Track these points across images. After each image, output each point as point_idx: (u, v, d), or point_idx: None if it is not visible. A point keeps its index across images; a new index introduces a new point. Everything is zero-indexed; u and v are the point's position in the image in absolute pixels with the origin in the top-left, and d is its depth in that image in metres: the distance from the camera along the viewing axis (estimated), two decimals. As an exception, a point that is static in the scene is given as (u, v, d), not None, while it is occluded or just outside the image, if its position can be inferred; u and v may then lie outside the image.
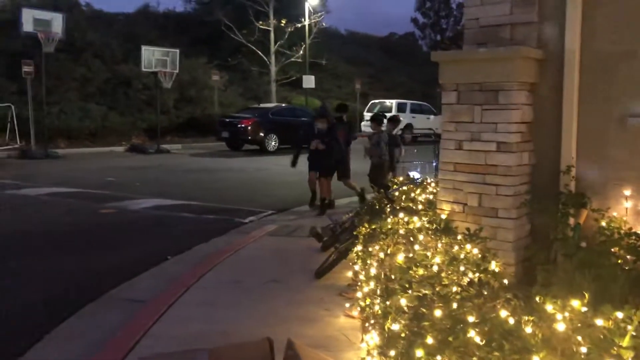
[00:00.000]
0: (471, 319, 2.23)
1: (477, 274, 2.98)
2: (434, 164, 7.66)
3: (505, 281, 3.18)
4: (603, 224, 3.73)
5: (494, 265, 3.24)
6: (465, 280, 2.83)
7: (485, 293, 2.55)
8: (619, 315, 2.10)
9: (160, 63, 20.63)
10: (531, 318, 2.18)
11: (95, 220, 8.05)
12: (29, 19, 17.15)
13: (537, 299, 2.42)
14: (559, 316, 2.19)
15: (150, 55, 20.45)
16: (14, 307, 4.54)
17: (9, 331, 4.07)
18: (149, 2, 37.10)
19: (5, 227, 7.44)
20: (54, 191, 10.28)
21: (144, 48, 20.51)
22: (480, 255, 3.33)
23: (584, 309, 2.24)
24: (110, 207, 8.82)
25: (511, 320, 2.21)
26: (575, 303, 2.26)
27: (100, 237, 6.98)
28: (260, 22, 27.92)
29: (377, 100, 27.44)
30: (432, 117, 26.53)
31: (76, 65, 22.90)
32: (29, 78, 17.62)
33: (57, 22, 17.75)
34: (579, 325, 2.13)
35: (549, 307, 2.28)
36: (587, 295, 2.36)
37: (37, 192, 10.15)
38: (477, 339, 2.11)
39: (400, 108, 25.91)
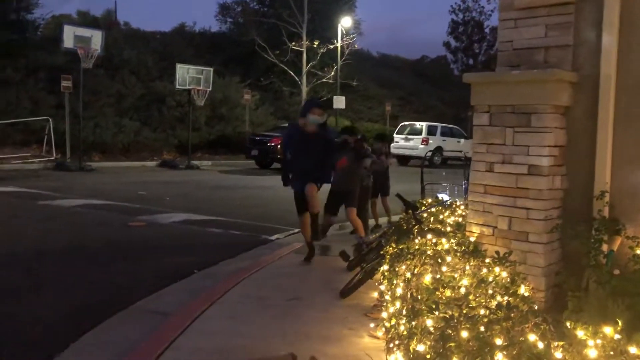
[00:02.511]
0: (499, 341, 2.18)
1: (505, 298, 2.92)
2: (464, 186, 7.58)
3: (535, 306, 3.11)
4: (638, 251, 3.63)
5: (523, 290, 3.17)
6: (494, 303, 2.77)
7: (514, 316, 2.49)
8: (654, 344, 2.03)
9: (194, 81, 21.01)
10: (561, 343, 2.12)
11: (125, 232, 8.17)
12: (70, 35, 17.70)
13: (568, 324, 2.35)
14: (590, 342, 2.13)
15: (185, 73, 20.85)
16: (42, 315, 4.61)
17: (38, 338, 4.13)
18: (185, 22, 37.93)
19: (38, 237, 7.60)
20: (86, 203, 10.47)
21: (178, 66, 20.94)
22: (509, 279, 3.27)
23: (617, 336, 2.18)
24: (140, 220, 8.94)
25: (540, 345, 2.15)
26: (608, 330, 2.19)
27: (129, 249, 7.07)
28: (293, 43, 28.26)
29: (407, 123, 27.37)
30: (462, 140, 26.32)
31: (112, 81, 23.48)
32: (67, 92, 18.12)
33: (96, 39, 18.28)
34: (612, 352, 2.06)
35: (580, 333, 2.22)
36: (620, 322, 2.29)
37: (70, 204, 10.36)
38: (505, 363, 2.07)
39: (431, 131, 25.77)
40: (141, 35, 31.29)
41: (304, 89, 29.48)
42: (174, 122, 24.22)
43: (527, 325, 2.37)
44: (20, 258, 6.40)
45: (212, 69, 21.89)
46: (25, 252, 6.68)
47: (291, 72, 28.78)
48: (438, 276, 3.22)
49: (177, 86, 21.04)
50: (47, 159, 18.55)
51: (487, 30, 47.50)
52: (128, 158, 21.19)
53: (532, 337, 2.20)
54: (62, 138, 18.69)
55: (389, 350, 3.16)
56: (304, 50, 28.70)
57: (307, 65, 29.11)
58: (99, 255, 6.70)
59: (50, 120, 19.09)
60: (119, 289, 5.34)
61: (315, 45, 28.30)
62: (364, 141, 7.84)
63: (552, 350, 2.09)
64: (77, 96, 18.16)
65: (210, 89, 21.59)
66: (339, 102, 27.46)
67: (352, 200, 7.05)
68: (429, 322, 2.60)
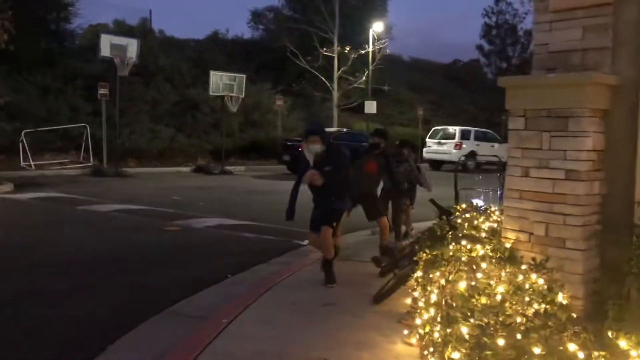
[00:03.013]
0: (537, 350, 2.14)
1: (542, 305, 2.86)
2: (499, 192, 7.46)
3: (574, 315, 3.04)
4: (681, 259, 3.51)
5: (560, 297, 3.10)
6: (530, 311, 2.72)
7: (552, 325, 2.44)
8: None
9: (227, 88, 21.26)
10: (603, 353, 2.07)
11: (160, 237, 8.30)
12: (106, 44, 18.13)
13: (609, 334, 2.29)
14: (633, 353, 2.07)
15: (218, 80, 21.12)
16: (80, 318, 4.71)
17: (76, 340, 4.23)
18: (219, 29, 38.42)
19: (75, 242, 7.79)
20: (123, 208, 10.68)
21: (212, 73, 21.23)
22: (546, 286, 3.21)
23: (661, 346, 2.11)
24: (175, 225, 9.07)
25: (580, 355, 2.10)
26: (651, 340, 2.13)
27: (164, 254, 7.18)
28: (325, 49, 28.35)
29: (439, 127, 27.13)
30: (496, 145, 25.94)
31: (148, 88, 23.95)
32: (103, 100, 18.56)
33: (132, 47, 18.69)
34: (655, 363, 2.00)
35: (622, 343, 2.16)
36: (664, 333, 2.22)
37: (106, 209, 10.58)
38: (543, 372, 2.03)
39: (464, 135, 25.48)
40: (175, 43, 31.87)
41: (335, 94, 29.53)
42: (208, 128, 24.54)
43: (565, 334, 2.32)
44: (60, 262, 6.56)
45: (244, 76, 22.12)
46: (65, 255, 6.86)
47: (322, 78, 28.86)
48: (473, 283, 3.18)
49: (211, 93, 21.33)
50: (84, 165, 19.00)
51: (520, 33, 46.87)
52: (163, 164, 21.54)
53: (571, 347, 2.15)
54: (99, 144, 19.15)
55: (423, 358, 3.14)
56: (335, 55, 28.76)
57: (338, 70, 29.15)
58: (135, 259, 6.82)
59: (88, 127, 19.56)
60: (154, 293, 5.42)
61: (346, 51, 28.33)
62: (402, 147, 8.05)
63: (593, 360, 2.05)
64: (114, 103, 18.58)
65: (243, 95, 21.82)
66: (370, 107, 27.41)
67: (379, 204, 7.02)
68: (464, 330, 2.57)
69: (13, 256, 6.75)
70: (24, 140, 17.75)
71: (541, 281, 3.29)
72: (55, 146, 19.70)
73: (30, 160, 17.80)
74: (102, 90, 18.41)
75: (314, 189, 5.79)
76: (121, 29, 28.74)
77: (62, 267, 6.34)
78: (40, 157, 18.75)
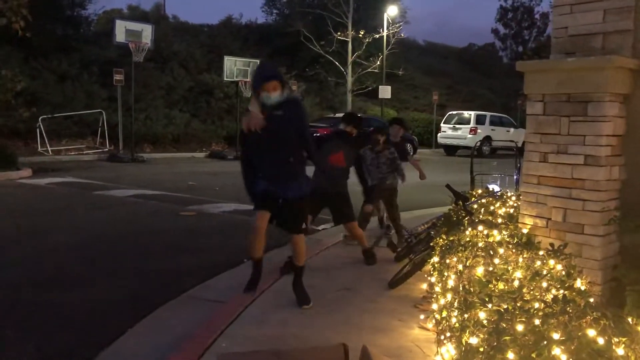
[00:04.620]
0: (556, 336, 2.14)
1: (561, 291, 2.85)
2: (515, 177, 7.41)
3: (592, 300, 3.03)
4: (702, 245, 3.48)
5: (579, 283, 3.09)
6: (549, 296, 2.71)
7: (571, 311, 2.43)
8: None
9: (241, 73, 21.25)
10: (623, 339, 2.06)
11: (177, 222, 8.37)
12: (121, 29, 18.17)
13: (630, 320, 2.28)
14: (653, 339, 2.06)
15: (232, 66, 21.11)
16: (100, 302, 4.79)
17: (96, 324, 4.30)
18: (232, 14, 38.31)
19: (93, 227, 7.88)
20: (139, 193, 10.78)
21: (226, 58, 21.22)
22: (564, 272, 3.19)
23: (682, 333, 2.10)
24: (190, 210, 9.14)
25: (600, 340, 2.10)
26: (672, 326, 2.12)
27: (181, 238, 7.24)
28: (339, 33, 28.16)
29: (454, 112, 26.92)
30: (512, 129, 25.72)
31: (162, 74, 23.98)
32: (119, 86, 18.65)
33: (146, 32, 18.71)
34: (676, 350, 1.99)
35: (642, 329, 2.15)
36: (685, 319, 2.21)
37: (123, 194, 10.68)
38: (563, 358, 2.02)
39: (479, 120, 25.27)
40: (189, 29, 31.80)
41: (349, 79, 29.37)
42: (222, 113, 24.56)
43: (585, 320, 2.31)
44: (77, 246, 6.65)
45: (258, 61, 22.03)
46: (82, 240, 6.94)
47: (336, 62, 28.70)
48: (490, 268, 3.17)
49: (225, 78, 21.35)
50: (100, 150, 19.15)
51: (537, 16, 46.21)
52: (178, 149, 21.64)
53: (591, 332, 2.15)
54: (114, 130, 19.29)
55: (440, 343, 3.14)
56: (349, 40, 28.55)
57: (352, 55, 28.95)
58: (152, 244, 6.89)
59: (103, 112, 19.68)
60: (171, 277, 5.48)
61: (360, 35, 28.10)
62: (379, 133, 6.59)
63: (614, 347, 2.04)
64: (129, 89, 18.66)
65: (257, 80, 21.76)
66: (385, 91, 27.25)
67: (348, 205, 5.85)
68: (482, 315, 2.57)
69: (31, 241, 6.85)
70: (41, 126, 17.91)
71: (559, 267, 3.27)
72: (72, 132, 19.86)
73: (47, 146, 17.98)
74: (118, 76, 18.49)
75: (260, 148, 4.30)
76: (135, 14, 28.75)
77: (79, 251, 6.43)
78: (57, 142, 18.93)
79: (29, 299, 4.79)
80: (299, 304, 4.44)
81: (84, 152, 18.91)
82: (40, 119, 17.95)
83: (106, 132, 19.59)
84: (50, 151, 17.89)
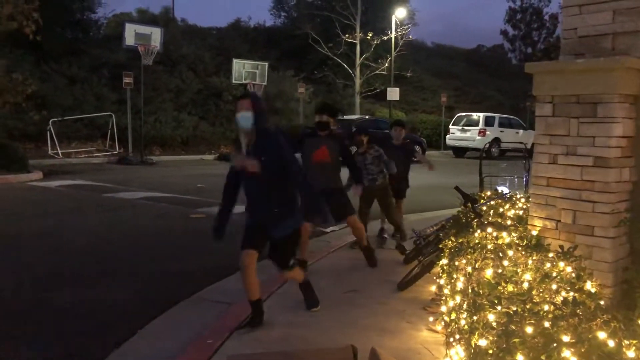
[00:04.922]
0: (566, 338, 2.13)
1: (571, 293, 2.84)
2: (525, 179, 7.38)
3: (602, 302, 3.01)
4: None
5: (589, 285, 3.07)
6: (559, 298, 2.70)
7: (581, 313, 2.42)
8: None
9: (249, 76, 21.34)
10: (634, 342, 2.05)
11: (186, 224, 8.40)
12: (131, 33, 18.31)
13: (640, 322, 2.27)
14: (664, 342, 2.05)
15: (241, 68, 21.20)
16: (110, 304, 4.82)
17: (106, 325, 4.33)
18: (241, 17, 38.45)
19: (103, 229, 7.93)
20: (148, 195, 10.83)
21: (234, 61, 21.31)
22: (574, 274, 3.18)
23: (693, 335, 2.09)
24: (200, 212, 9.17)
25: (611, 343, 2.09)
26: (683, 329, 2.10)
27: (190, 240, 7.27)
28: (347, 36, 28.18)
29: (463, 113, 26.83)
30: (521, 131, 25.59)
31: (171, 77, 24.10)
32: (128, 88, 18.76)
33: (155, 36, 18.84)
34: (688, 352, 1.98)
35: (653, 332, 2.14)
36: (696, 321, 2.19)
37: (132, 196, 10.74)
38: (573, 360, 2.02)
39: (488, 122, 25.16)
40: (198, 31, 31.95)
41: (357, 81, 29.38)
42: (231, 116, 24.56)
43: (595, 322, 2.30)
44: (88, 248, 6.69)
45: (267, 64, 22.15)
46: (92, 241, 6.99)
47: (344, 65, 28.71)
48: (500, 270, 3.16)
49: (234, 81, 21.43)
50: (110, 153, 19.27)
51: (546, 17, 45.98)
52: (187, 151, 21.73)
53: (601, 335, 2.14)
54: (124, 133, 19.39)
55: (448, 345, 3.14)
56: (357, 42, 28.57)
57: (360, 57, 28.97)
58: (161, 246, 6.92)
59: (113, 115, 19.80)
60: (181, 279, 5.51)
61: (368, 37, 28.12)
62: (362, 134, 6.42)
63: (624, 349, 2.02)
64: (138, 92, 18.78)
65: (265, 83, 21.86)
66: (393, 93, 27.23)
67: (345, 200, 5.67)
68: (491, 317, 2.56)
69: (41, 242, 6.90)
70: (51, 129, 18.06)
71: (569, 269, 3.26)
72: (82, 134, 20.00)
73: (58, 149, 18.11)
74: (127, 79, 18.61)
75: (250, 188, 4.16)
76: (144, 17, 28.90)
77: (89, 252, 6.47)
78: (67, 145, 19.06)
79: (39, 300, 4.83)
80: (307, 307, 4.43)
81: (94, 154, 19.03)
82: (50, 121, 18.10)
83: (116, 134, 19.71)
84: (60, 154, 18.01)
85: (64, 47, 22.72)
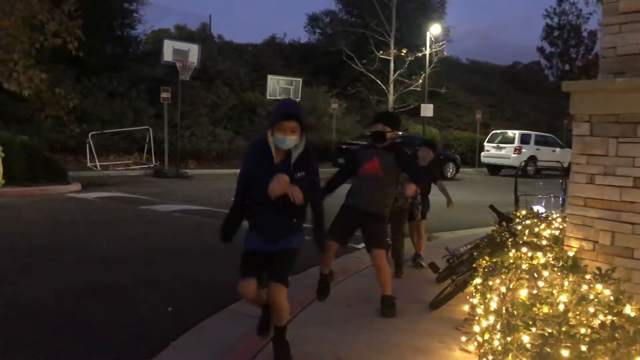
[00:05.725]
0: (603, 363, 2.09)
1: (609, 317, 2.78)
2: (561, 198, 7.25)
3: (642, 327, 2.93)
4: None
5: (629, 309, 3.00)
6: (596, 322, 2.65)
7: (619, 337, 2.37)
8: None
9: (284, 91, 21.58)
10: (674, 368, 2.00)
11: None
12: (169, 49, 18.74)
13: (681, 348, 2.21)
14: None
15: (275, 84, 21.46)
16: (144, 315, 4.90)
17: (139, 337, 4.40)
18: (276, 33, 38.94)
19: (138, 240, 8.08)
20: (184, 208, 11.00)
21: (269, 77, 21.59)
22: (612, 297, 3.11)
23: None
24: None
25: (650, 369, 2.04)
26: None
27: (224, 253, 7.31)
28: (381, 52, 28.24)
29: (498, 131, 26.54)
30: (558, 149, 25.15)
31: (208, 92, 24.52)
32: (166, 103, 19.17)
33: (193, 52, 19.23)
34: None
35: (695, 359, 2.08)
36: None
37: (168, 209, 10.92)
38: (610, 385, 1.98)
39: (524, 140, 24.82)
40: (234, 48, 32.46)
41: (391, 97, 29.35)
42: (265, 131, 24.68)
43: (634, 347, 2.25)
44: (124, 258, 6.83)
45: (301, 80, 22.36)
46: (128, 253, 7.12)
47: (378, 81, 28.75)
48: (535, 291, 3.12)
49: (268, 96, 21.70)
50: (147, 166, 19.66)
51: (584, 34, 45.22)
52: (221, 165, 21.99)
53: (640, 360, 2.09)
54: (160, 146, 19.79)
55: (482, 365, 3.10)
56: (391, 58, 28.59)
57: (394, 73, 28.97)
58: (195, 258, 7.01)
59: (150, 129, 20.24)
60: (214, 291, 5.56)
61: (403, 54, 28.13)
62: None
63: (664, 375, 1.98)
64: (175, 106, 19.17)
65: (299, 98, 22.05)
66: (427, 110, 27.11)
67: (380, 230, 5.03)
68: (526, 339, 2.53)
69: (79, 252, 7.07)
70: (91, 141, 18.55)
71: (607, 292, 3.19)
72: (120, 147, 20.49)
73: (96, 161, 18.58)
74: (165, 94, 19.01)
75: (265, 204, 3.67)
76: (182, 34, 29.56)
77: (125, 263, 6.60)
78: (106, 158, 19.55)
79: (73, 310, 4.94)
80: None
81: (131, 167, 19.45)
82: (90, 134, 18.61)
83: (152, 148, 20.12)
84: (98, 166, 18.47)
85: (105, 62, 23.38)
